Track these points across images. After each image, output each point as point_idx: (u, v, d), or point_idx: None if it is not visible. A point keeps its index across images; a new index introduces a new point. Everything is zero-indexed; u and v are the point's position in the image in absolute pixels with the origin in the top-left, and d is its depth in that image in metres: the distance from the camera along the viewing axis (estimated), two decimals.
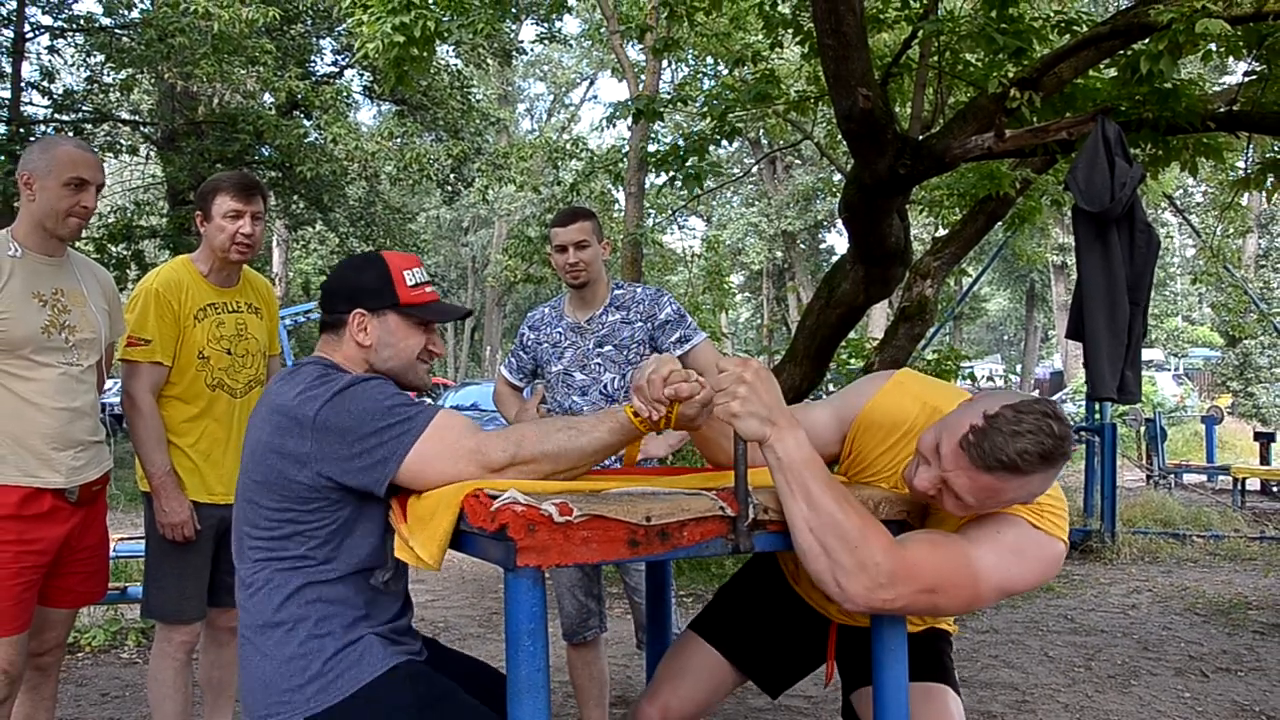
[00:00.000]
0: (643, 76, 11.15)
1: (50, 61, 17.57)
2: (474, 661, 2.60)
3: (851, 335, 8.75)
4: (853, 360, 9.53)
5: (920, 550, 2.05)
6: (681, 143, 8.56)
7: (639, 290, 4.10)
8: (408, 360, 2.38)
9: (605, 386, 3.96)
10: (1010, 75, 5.80)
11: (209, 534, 3.53)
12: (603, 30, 11.51)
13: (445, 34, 7.41)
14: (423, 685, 2.19)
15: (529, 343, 4.16)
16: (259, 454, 2.20)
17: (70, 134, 16.16)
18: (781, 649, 2.75)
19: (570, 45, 35.14)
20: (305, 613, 2.18)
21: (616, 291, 4.07)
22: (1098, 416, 9.92)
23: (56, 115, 17.46)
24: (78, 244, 4.00)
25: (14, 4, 16.40)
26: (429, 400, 20.39)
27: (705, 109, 8.50)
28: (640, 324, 4.00)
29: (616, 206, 14.50)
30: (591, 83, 43.53)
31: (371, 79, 19.55)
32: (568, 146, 14.31)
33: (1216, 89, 6.98)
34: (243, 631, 2.25)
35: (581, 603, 3.98)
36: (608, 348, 3.98)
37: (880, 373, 2.56)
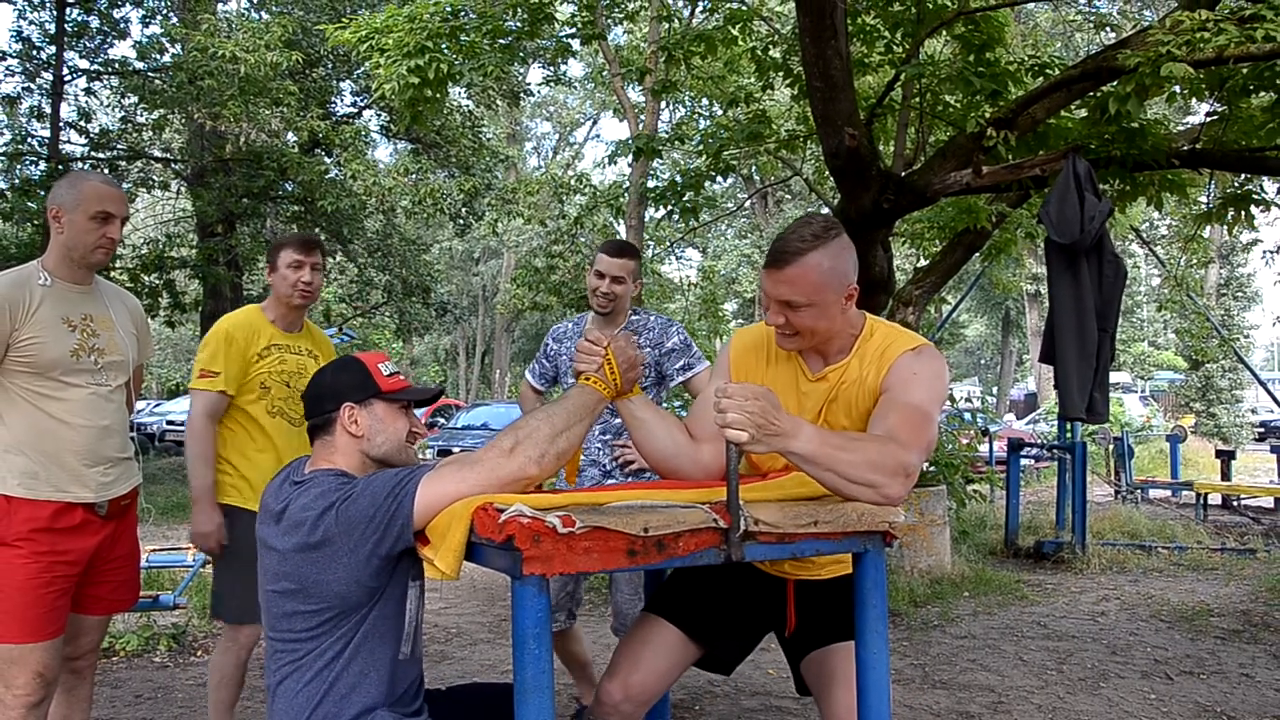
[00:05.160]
0: (642, 116, 11.16)
1: (87, 103, 17.64)
2: (478, 688, 2.71)
3: None
4: None
5: (902, 429, 2.28)
6: (679, 179, 8.58)
7: (652, 318, 4.24)
8: (398, 442, 2.46)
9: None
10: (987, 115, 5.82)
11: None
12: (605, 73, 11.51)
13: (457, 76, 7.44)
14: None
15: (551, 352, 4.33)
16: (286, 564, 2.23)
17: (106, 170, 16.24)
18: (734, 618, 2.77)
19: (574, 87, 35.43)
20: (336, 710, 2.23)
21: (633, 317, 4.21)
22: (1069, 435, 9.90)
23: (93, 153, 17.50)
24: (113, 273, 4.04)
25: (53, 49, 16.50)
26: (441, 421, 20.41)
27: (701, 147, 8.51)
28: (649, 349, 4.12)
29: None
30: (594, 122, 43.74)
31: (388, 119, 19.61)
32: (572, 182, 14.27)
33: (1180, 128, 7.00)
34: None
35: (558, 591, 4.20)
36: None
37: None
